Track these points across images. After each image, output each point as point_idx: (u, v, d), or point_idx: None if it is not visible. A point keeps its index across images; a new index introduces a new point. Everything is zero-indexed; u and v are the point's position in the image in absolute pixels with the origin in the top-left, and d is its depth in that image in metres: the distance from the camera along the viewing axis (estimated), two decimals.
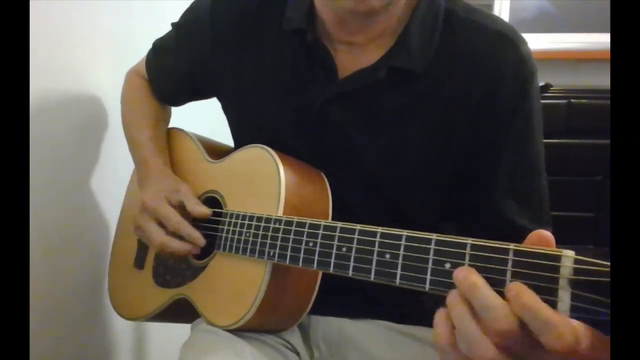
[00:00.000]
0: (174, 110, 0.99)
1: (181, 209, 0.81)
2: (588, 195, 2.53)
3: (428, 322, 0.82)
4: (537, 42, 2.58)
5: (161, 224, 0.80)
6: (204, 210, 0.79)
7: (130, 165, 0.95)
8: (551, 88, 2.27)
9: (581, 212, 2.56)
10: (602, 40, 2.68)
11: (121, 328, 1.12)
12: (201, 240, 0.78)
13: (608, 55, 2.50)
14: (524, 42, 0.72)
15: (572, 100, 2.54)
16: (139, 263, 0.90)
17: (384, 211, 0.76)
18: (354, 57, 0.73)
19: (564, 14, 2.82)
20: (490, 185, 0.74)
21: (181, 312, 0.83)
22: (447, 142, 0.72)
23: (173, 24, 0.91)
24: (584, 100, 2.54)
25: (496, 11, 2.82)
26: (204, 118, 1.20)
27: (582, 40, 2.76)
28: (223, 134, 0.92)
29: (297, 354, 0.81)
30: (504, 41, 0.71)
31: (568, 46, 2.77)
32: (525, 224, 0.73)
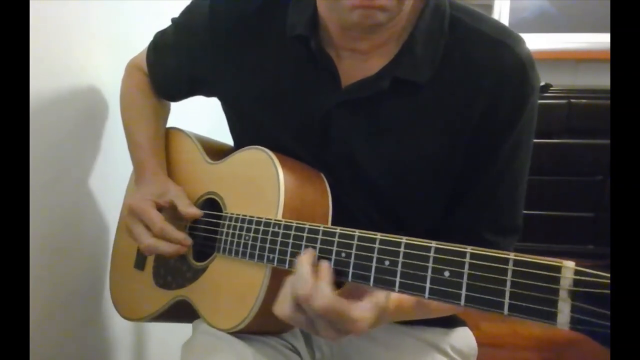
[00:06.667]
0: (173, 108, 0.98)
1: (173, 210, 0.82)
2: (588, 195, 2.53)
3: (430, 323, 0.83)
4: (537, 42, 2.58)
5: (148, 227, 0.80)
6: (195, 212, 0.80)
7: (131, 164, 0.95)
8: (551, 88, 2.28)
9: (581, 212, 2.57)
10: (602, 40, 2.68)
11: (121, 328, 1.12)
12: (187, 241, 0.79)
13: (608, 55, 2.50)
14: (527, 52, 0.71)
15: (572, 100, 2.55)
16: (140, 264, 0.90)
17: (383, 216, 0.76)
18: (357, 65, 0.73)
19: (564, 14, 2.82)
20: (474, 194, 0.74)
21: (182, 313, 0.83)
22: (449, 151, 0.72)
23: (173, 20, 0.90)
24: (584, 100, 2.55)
25: (496, 11, 2.82)
26: (202, 116, 1.20)
27: (582, 40, 2.76)
28: (222, 133, 0.92)
29: (299, 354, 0.80)
30: (507, 53, 0.70)
31: (568, 46, 2.76)
32: (488, 236, 0.74)
